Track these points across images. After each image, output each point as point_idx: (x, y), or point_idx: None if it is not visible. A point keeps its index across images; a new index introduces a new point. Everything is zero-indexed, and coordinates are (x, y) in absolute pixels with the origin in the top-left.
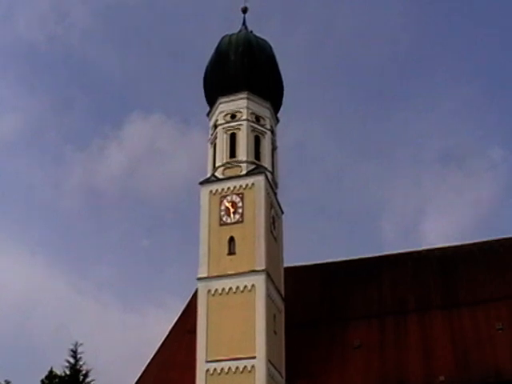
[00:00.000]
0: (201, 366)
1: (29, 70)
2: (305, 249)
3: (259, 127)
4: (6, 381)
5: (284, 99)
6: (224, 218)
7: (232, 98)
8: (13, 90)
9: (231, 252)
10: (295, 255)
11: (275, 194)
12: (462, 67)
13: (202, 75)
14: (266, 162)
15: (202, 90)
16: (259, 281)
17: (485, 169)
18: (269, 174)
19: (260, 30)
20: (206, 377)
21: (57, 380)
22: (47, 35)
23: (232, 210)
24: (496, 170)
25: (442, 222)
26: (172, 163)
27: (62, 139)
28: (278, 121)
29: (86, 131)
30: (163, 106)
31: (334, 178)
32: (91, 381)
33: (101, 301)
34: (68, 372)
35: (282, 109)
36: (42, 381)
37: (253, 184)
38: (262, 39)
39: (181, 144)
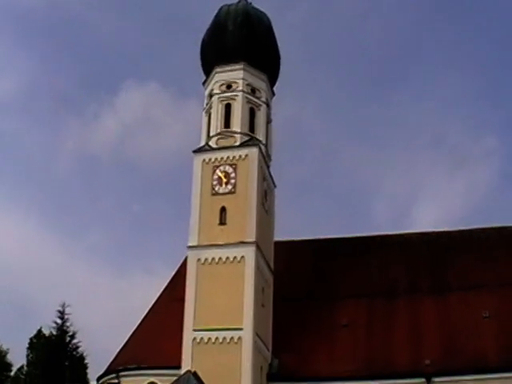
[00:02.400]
0: (188, 335)
1: (25, 33)
2: (295, 224)
3: (254, 99)
4: None
5: (280, 74)
6: (216, 188)
7: (228, 68)
8: (9, 52)
9: (222, 222)
10: (286, 230)
11: (268, 167)
12: (458, 54)
13: (199, 45)
14: (260, 134)
15: (199, 60)
16: (249, 252)
17: (478, 157)
18: (262, 147)
19: (259, 2)
20: (193, 345)
21: (43, 340)
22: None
23: (224, 180)
24: (489, 158)
25: (434, 207)
26: (166, 132)
27: (57, 104)
28: (273, 94)
29: (81, 97)
30: (159, 75)
31: (326, 157)
32: (78, 342)
33: (90, 265)
34: (55, 332)
35: (277, 83)
36: (31, 339)
37: (246, 155)
38: (261, 11)
39: (175, 113)
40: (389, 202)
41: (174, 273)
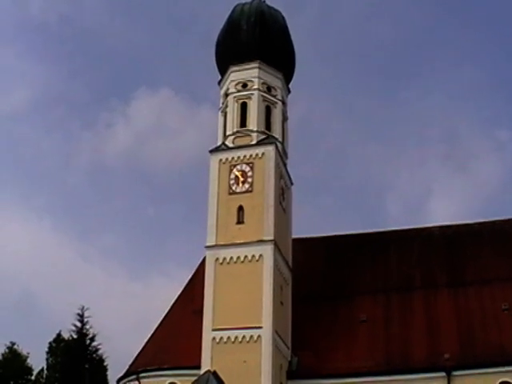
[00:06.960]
0: (207, 335)
1: (38, 44)
2: (311, 221)
3: (270, 97)
4: (11, 342)
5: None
6: (233, 187)
7: (243, 67)
8: (22, 62)
9: (240, 221)
10: (301, 227)
11: (285, 164)
12: (469, 47)
13: (211, 49)
14: (276, 132)
15: (211, 64)
16: (267, 251)
17: (491, 149)
18: (279, 145)
19: (273, 1)
20: (212, 345)
21: (63, 344)
22: (58, 11)
23: (241, 179)
24: (503, 151)
25: (448, 201)
26: (179, 137)
27: (70, 114)
28: (289, 91)
29: (94, 107)
30: (171, 82)
31: (339, 154)
32: (97, 345)
33: (106, 268)
34: (75, 336)
35: (292, 80)
36: (50, 343)
37: (263, 154)
38: (275, 9)
39: (188, 119)
40: (403, 198)
41: (191, 274)
